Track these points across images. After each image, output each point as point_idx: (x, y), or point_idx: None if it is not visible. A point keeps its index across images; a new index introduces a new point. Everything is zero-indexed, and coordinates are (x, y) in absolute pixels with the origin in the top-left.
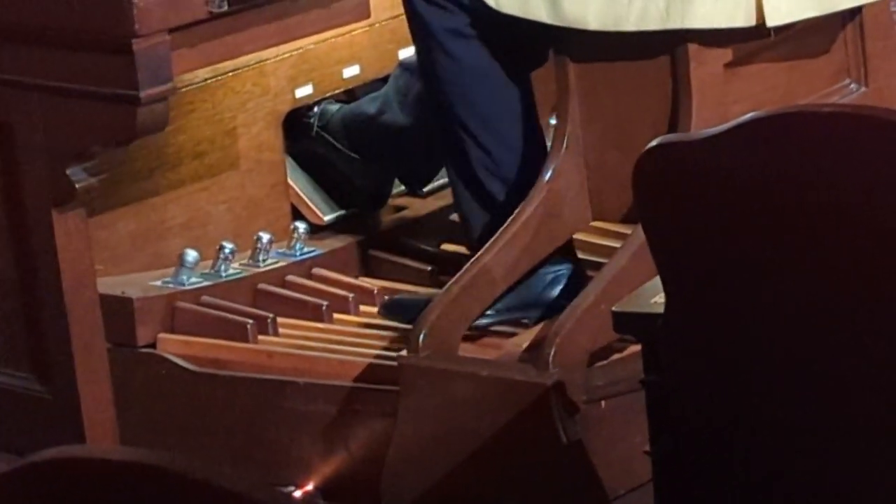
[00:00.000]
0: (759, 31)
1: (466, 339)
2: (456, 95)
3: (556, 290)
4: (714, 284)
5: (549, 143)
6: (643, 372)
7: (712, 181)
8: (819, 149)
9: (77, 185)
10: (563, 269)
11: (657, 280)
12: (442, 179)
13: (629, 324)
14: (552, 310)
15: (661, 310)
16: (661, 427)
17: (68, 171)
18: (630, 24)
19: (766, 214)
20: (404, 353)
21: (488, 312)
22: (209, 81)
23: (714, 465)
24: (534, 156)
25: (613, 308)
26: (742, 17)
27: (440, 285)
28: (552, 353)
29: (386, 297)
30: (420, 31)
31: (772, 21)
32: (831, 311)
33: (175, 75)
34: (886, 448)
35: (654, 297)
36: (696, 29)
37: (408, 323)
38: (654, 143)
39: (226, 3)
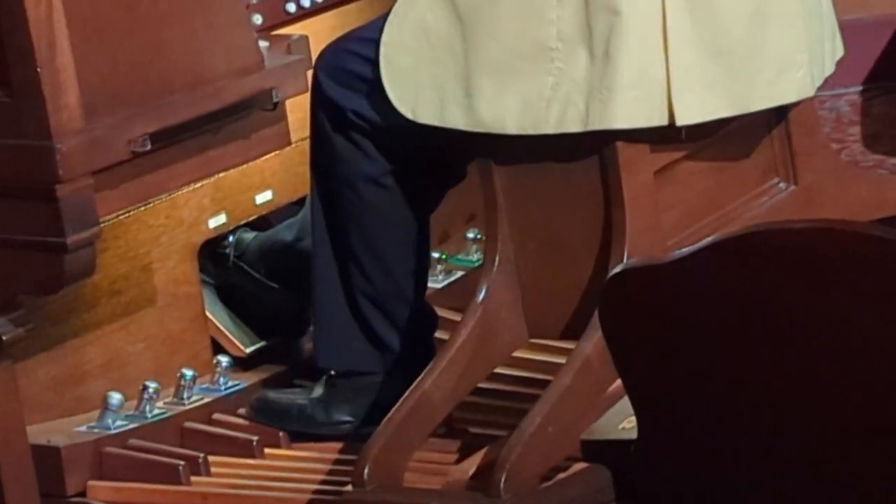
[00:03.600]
0: (688, 135)
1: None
2: (353, 230)
3: None
4: (689, 408)
5: (470, 257)
6: (615, 500)
7: (681, 304)
8: (790, 266)
9: (3, 338)
10: None
11: (622, 404)
12: None
13: (599, 452)
14: None
15: (630, 435)
16: None
17: None
18: (549, 127)
19: (739, 334)
20: (349, 488)
21: (343, 419)
22: (122, 217)
23: None
24: (418, 290)
25: (582, 437)
26: (655, 117)
27: None
28: (503, 479)
29: (254, 397)
30: (338, 170)
31: (682, 120)
32: (815, 431)
33: (100, 218)
34: None
35: (621, 423)
36: (621, 133)
37: (277, 428)
38: (618, 268)
39: (149, 142)
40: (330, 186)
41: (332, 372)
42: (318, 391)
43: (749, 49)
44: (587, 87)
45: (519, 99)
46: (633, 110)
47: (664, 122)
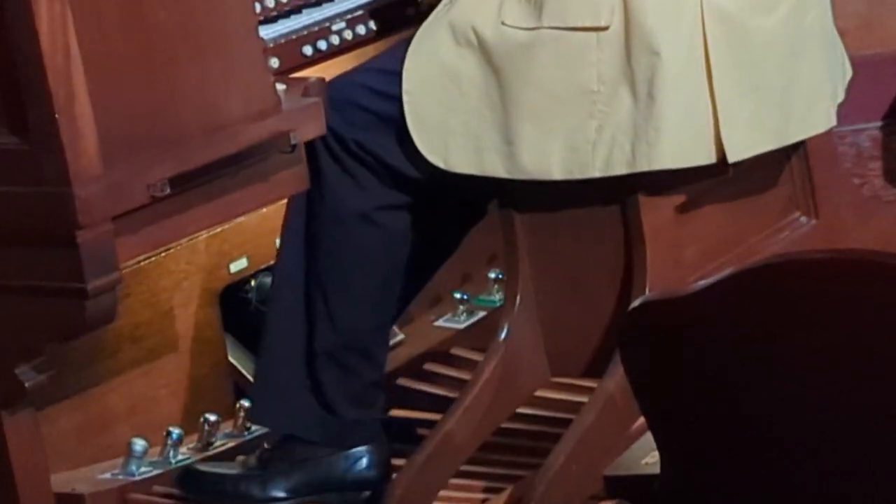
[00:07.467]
0: (716, 168)
1: None
2: (329, 270)
3: (362, 468)
4: (711, 442)
5: (492, 297)
6: None
7: (702, 336)
8: (809, 296)
9: (26, 385)
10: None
11: (645, 439)
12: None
13: (622, 488)
14: (358, 488)
15: (653, 470)
16: None
17: (16, 371)
18: (596, 171)
19: (759, 366)
20: None
21: (279, 495)
22: (143, 263)
23: None
24: (382, 356)
25: (605, 473)
26: (704, 155)
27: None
28: None
29: (182, 468)
30: (326, 205)
31: (733, 157)
32: (841, 463)
33: (120, 263)
34: None
35: (644, 458)
36: (652, 173)
37: (202, 498)
38: (637, 302)
39: (168, 186)
40: (313, 222)
41: (266, 445)
42: (253, 462)
43: (784, 82)
44: (632, 128)
45: (563, 144)
46: (681, 150)
47: (712, 159)
